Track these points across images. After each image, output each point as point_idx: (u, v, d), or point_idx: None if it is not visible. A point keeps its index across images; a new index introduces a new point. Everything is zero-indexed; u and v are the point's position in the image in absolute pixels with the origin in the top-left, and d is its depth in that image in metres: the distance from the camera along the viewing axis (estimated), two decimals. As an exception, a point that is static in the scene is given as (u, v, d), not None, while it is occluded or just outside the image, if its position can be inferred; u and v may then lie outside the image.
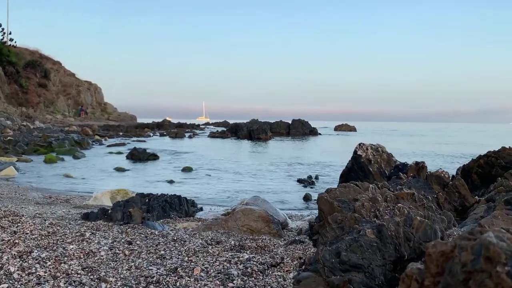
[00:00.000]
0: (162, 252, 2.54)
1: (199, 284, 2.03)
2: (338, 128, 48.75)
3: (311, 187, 9.37)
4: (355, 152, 5.10)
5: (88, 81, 51.23)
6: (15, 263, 2.14)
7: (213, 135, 32.31)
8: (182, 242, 2.79)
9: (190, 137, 31.23)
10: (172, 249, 2.60)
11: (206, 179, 10.29)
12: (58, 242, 2.59)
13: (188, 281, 2.07)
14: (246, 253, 2.59)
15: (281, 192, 8.74)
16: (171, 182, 9.66)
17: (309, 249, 2.69)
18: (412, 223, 1.84)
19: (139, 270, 2.20)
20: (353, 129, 49.08)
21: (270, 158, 16.68)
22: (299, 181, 10.10)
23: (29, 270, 2.09)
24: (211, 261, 2.36)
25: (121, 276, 2.12)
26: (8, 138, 16.98)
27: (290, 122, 37.06)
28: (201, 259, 2.41)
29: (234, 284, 2.05)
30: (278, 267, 2.33)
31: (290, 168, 12.90)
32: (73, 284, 1.99)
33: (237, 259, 2.39)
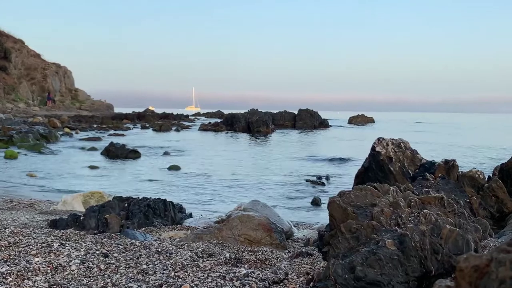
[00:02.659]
0: (144, 266, 2.54)
1: (187, 304, 2.04)
2: (353, 120, 48.73)
3: (321, 190, 9.39)
4: (373, 148, 5.10)
5: (56, 63, 51.08)
6: (-30, 279, 2.15)
7: (204, 128, 32.32)
8: (168, 254, 2.79)
9: (177, 130, 31.25)
10: (156, 262, 2.61)
11: (196, 180, 10.31)
12: (21, 254, 2.59)
13: (175, 301, 2.07)
14: (244, 267, 2.60)
15: (285, 195, 8.75)
16: (154, 183, 9.67)
17: (318, 263, 2.70)
18: (440, 233, 1.85)
19: (116, 288, 2.21)
20: (370, 120, 49.08)
21: (272, 155, 16.70)
22: (307, 182, 10.12)
23: (-13, 287, 2.09)
24: (202, 277, 2.36)
25: (96, 294, 2.13)
26: (-39, 130, 16.98)
27: (296, 112, 37.06)
28: (190, 274, 2.42)
29: (229, 304, 2.06)
30: (281, 284, 2.34)
31: (296, 167, 12.92)
32: (39, 304, 1.99)
33: (233, 274, 2.40)
